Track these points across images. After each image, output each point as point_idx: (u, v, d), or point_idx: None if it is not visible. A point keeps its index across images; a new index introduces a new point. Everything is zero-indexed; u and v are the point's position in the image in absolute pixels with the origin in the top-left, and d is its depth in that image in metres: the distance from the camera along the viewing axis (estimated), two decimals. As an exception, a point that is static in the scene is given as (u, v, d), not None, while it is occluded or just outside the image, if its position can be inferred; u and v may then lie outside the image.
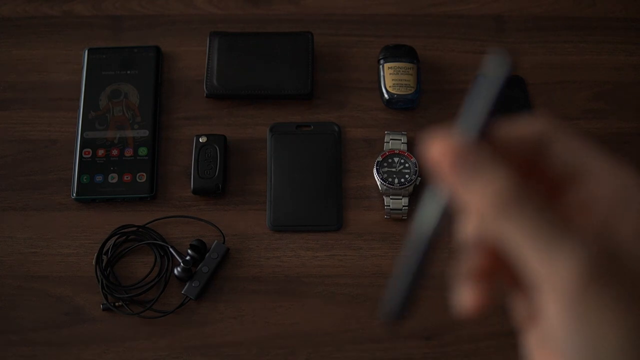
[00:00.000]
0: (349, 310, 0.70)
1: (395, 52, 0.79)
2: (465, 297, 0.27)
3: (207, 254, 0.71)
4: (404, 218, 0.73)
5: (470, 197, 0.26)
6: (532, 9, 0.84)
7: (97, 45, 0.81)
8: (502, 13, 0.84)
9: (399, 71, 0.78)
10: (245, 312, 0.70)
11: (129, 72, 0.79)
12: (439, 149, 0.26)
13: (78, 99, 0.78)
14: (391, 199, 0.73)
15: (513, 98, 0.79)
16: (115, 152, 0.76)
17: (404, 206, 0.73)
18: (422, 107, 0.79)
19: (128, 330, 0.69)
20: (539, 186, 0.28)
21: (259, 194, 0.75)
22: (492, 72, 0.26)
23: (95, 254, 0.71)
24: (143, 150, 0.76)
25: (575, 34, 0.83)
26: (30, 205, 0.75)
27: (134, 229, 0.73)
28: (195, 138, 0.76)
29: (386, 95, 0.78)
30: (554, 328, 0.25)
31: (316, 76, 0.80)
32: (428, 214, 0.28)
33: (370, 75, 0.80)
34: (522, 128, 0.28)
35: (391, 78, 0.78)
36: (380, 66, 0.79)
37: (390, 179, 0.73)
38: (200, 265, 0.71)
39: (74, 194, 0.74)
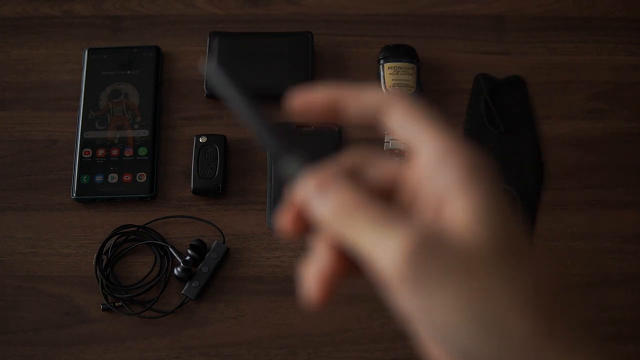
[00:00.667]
0: (348, 310, 0.70)
1: (395, 52, 0.79)
2: (312, 293, 0.28)
3: (207, 254, 0.71)
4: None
5: (318, 210, 0.27)
6: (532, 9, 0.84)
7: (97, 45, 0.81)
8: (502, 13, 0.84)
9: (399, 71, 0.78)
10: (245, 312, 0.70)
11: (129, 72, 0.79)
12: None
13: (78, 99, 0.78)
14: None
15: (512, 99, 0.79)
16: (115, 152, 0.76)
17: (404, 206, 0.73)
18: (422, 107, 0.79)
19: (128, 330, 0.69)
20: (376, 185, 0.29)
21: (259, 194, 0.75)
22: (215, 86, 0.29)
23: (95, 254, 0.71)
24: (143, 150, 0.76)
25: (575, 34, 0.83)
26: (30, 205, 0.74)
27: (134, 229, 0.73)
28: (195, 138, 0.76)
29: (386, 95, 0.77)
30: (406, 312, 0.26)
31: (316, 76, 0.80)
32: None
33: (370, 75, 0.80)
34: (360, 99, 0.30)
35: (391, 78, 0.78)
36: (380, 66, 0.79)
37: (390, 179, 0.73)
38: (200, 265, 0.71)
39: (74, 194, 0.74)
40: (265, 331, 0.70)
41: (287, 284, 0.72)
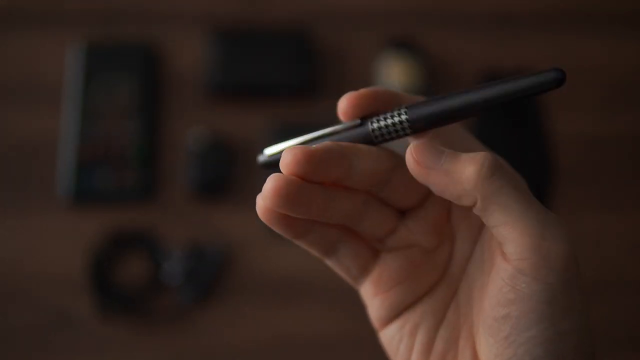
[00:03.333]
0: (350, 312, 0.69)
1: (396, 50, 0.77)
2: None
3: (207, 256, 0.70)
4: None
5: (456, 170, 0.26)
6: (539, 5, 0.82)
7: (94, 43, 0.79)
8: (508, 9, 0.82)
9: (400, 69, 0.76)
10: (245, 315, 0.70)
11: (126, 70, 0.78)
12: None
13: (74, 97, 0.77)
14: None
15: (518, 103, 0.77)
16: (112, 151, 0.75)
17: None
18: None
19: (124, 335, 0.69)
20: None
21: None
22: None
23: (91, 257, 0.70)
24: (141, 150, 0.75)
25: (584, 30, 0.81)
26: (23, 207, 0.73)
27: (131, 230, 0.72)
28: (194, 138, 0.75)
29: (388, 93, 0.76)
30: (520, 312, 0.25)
31: (316, 74, 0.79)
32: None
33: (371, 72, 0.79)
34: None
35: (392, 75, 0.76)
36: (382, 63, 0.77)
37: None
38: (199, 267, 0.70)
39: (70, 194, 0.73)
40: (265, 334, 0.69)
41: (288, 286, 0.71)
